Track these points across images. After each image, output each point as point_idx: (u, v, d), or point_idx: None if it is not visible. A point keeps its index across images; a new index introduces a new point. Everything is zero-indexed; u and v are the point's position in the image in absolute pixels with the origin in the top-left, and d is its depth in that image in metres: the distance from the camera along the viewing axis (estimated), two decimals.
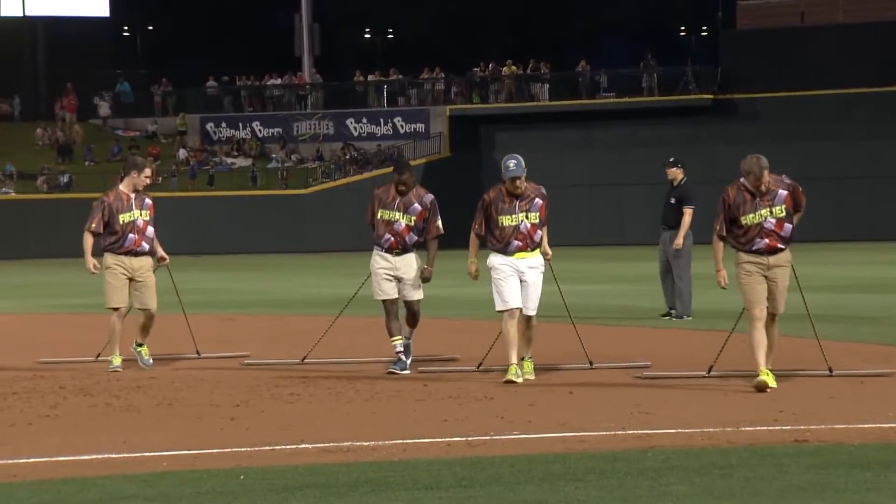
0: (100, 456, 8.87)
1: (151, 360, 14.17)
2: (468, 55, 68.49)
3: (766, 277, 11.45)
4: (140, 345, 14.21)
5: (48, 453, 8.98)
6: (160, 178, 59.81)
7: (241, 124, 64.85)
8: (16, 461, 8.74)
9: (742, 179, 11.50)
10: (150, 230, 14.22)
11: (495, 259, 12.57)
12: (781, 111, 57.43)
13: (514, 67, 64.06)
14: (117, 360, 13.93)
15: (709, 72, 62.57)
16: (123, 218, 13.99)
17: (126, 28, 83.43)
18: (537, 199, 12.64)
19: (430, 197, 13.57)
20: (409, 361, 13.42)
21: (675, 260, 18.72)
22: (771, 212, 11.42)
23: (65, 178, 59.03)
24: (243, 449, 9.10)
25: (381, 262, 13.35)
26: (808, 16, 61.62)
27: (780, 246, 11.49)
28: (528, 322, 12.68)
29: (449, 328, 18.30)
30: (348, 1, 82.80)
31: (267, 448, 9.10)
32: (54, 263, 48.04)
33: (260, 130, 64.46)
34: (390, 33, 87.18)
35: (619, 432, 9.50)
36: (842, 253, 42.58)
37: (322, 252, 52.01)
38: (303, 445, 9.14)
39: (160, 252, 14.46)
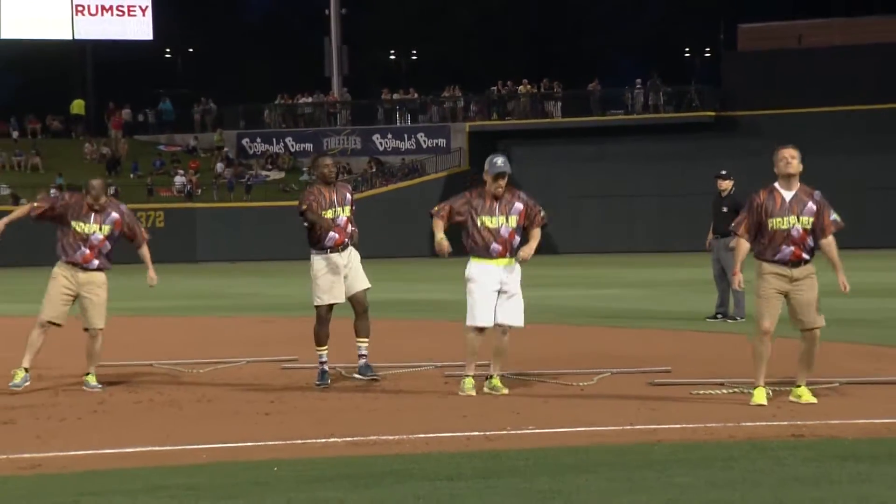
0: (144, 449, 8.89)
1: (99, 385, 12.30)
2: (487, 75, 68.56)
3: (787, 294, 10.75)
4: (87, 374, 12.37)
5: (96, 446, 9.01)
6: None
7: (274, 140, 65.02)
8: (66, 453, 8.76)
9: (775, 184, 10.83)
10: (107, 245, 12.34)
11: (475, 268, 11.57)
12: (780, 127, 57.32)
13: (529, 86, 64.09)
14: (19, 376, 12.12)
15: (712, 90, 62.58)
16: (77, 227, 12.21)
17: (168, 50, 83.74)
18: (517, 203, 11.62)
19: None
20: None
21: (728, 264, 18.71)
22: (798, 220, 10.69)
23: (111, 190, 59.19)
24: (277, 442, 9.10)
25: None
26: (805, 38, 61.56)
27: (804, 257, 10.75)
28: (502, 333, 11.65)
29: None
30: (375, 24, 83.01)
31: (299, 441, 9.11)
32: None
33: (292, 145, 64.60)
34: (414, 54, 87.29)
35: (628, 427, 9.49)
36: None
37: None
38: (332, 439, 9.14)
39: (150, 273, 12.73)
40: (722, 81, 63.01)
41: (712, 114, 60.83)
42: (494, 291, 11.60)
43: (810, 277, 10.82)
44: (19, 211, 12.45)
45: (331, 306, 12.51)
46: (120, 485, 7.60)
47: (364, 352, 12.58)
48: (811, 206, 10.78)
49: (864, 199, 56.43)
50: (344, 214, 12.56)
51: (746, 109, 59.86)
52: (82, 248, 12.27)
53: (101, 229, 12.29)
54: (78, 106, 66.85)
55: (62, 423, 10.24)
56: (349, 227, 12.62)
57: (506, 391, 11.58)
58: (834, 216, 10.86)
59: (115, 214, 12.39)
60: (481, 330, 11.67)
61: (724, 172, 19.44)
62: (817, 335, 10.82)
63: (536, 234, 11.83)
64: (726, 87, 61.91)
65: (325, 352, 12.47)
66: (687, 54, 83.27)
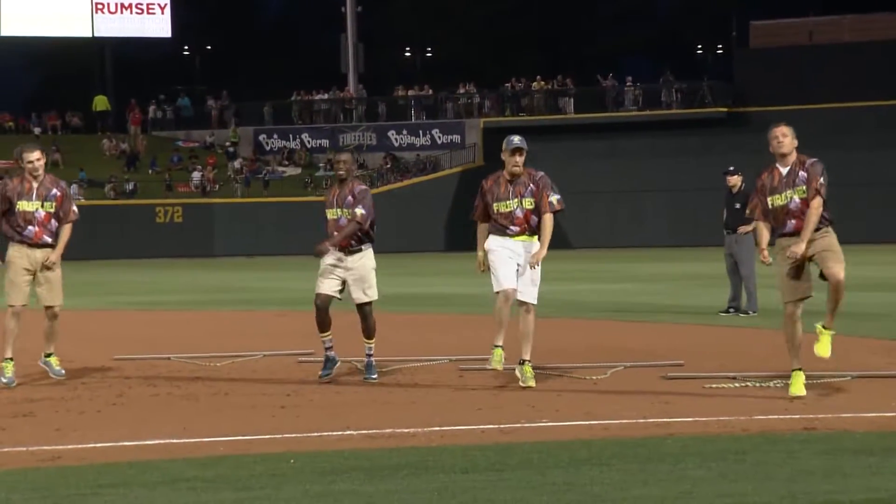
0: (162, 441, 8.89)
1: (63, 371, 12.38)
2: (500, 72, 68.58)
3: (809, 259, 10.62)
4: (48, 355, 12.36)
5: (115, 438, 9.01)
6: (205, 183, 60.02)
7: (291, 136, 65.09)
8: (85, 446, 8.77)
9: (776, 163, 10.83)
10: (54, 223, 12.12)
11: (493, 242, 11.54)
12: (791, 123, 56.84)
13: (542, 83, 64.06)
14: (9, 371, 12.04)
15: (723, 86, 62.53)
16: (21, 205, 12.02)
17: (186, 48, 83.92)
18: (531, 185, 11.52)
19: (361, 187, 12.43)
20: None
21: (741, 259, 18.75)
22: (794, 191, 10.66)
23: (130, 186, 59.38)
24: (294, 435, 9.10)
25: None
26: (815, 35, 61.47)
27: None
28: (525, 312, 11.52)
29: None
30: (390, 22, 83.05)
31: (315, 434, 9.10)
32: (121, 264, 48.28)
33: (308, 141, 64.67)
34: (429, 52, 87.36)
35: (641, 420, 9.46)
36: (845, 254, 42.36)
37: None
38: (348, 432, 9.13)
39: (55, 252, 12.14)
40: (734, 78, 62.96)
41: (724, 110, 60.78)
42: (513, 260, 11.48)
43: (823, 237, 10.68)
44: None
45: (327, 297, 12.22)
46: (139, 476, 7.59)
47: (369, 351, 12.38)
48: (802, 174, 10.75)
49: (874, 194, 56.35)
50: (344, 216, 12.24)
51: (758, 105, 59.76)
52: (30, 227, 12.08)
53: (42, 206, 12.10)
54: (102, 102, 67.07)
55: (81, 416, 10.24)
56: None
57: (533, 384, 11.43)
58: (821, 180, 10.74)
59: (55, 191, 12.20)
60: (508, 295, 11.43)
61: (731, 168, 19.45)
62: (836, 278, 10.54)
63: (546, 227, 11.56)
64: (738, 84, 61.85)
65: (329, 337, 12.28)
66: (699, 51, 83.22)
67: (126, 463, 8.06)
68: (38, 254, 12.13)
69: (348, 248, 12.25)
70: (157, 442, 8.86)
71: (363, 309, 12.30)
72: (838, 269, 10.61)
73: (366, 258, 12.34)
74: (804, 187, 10.71)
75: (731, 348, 14.59)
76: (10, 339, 12.13)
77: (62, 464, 8.09)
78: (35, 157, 12.15)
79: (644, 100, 62.61)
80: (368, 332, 12.35)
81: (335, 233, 12.25)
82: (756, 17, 64.31)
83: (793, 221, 10.72)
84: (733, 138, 58.11)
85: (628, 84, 63.21)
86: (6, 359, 12.14)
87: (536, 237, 11.60)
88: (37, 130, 65.41)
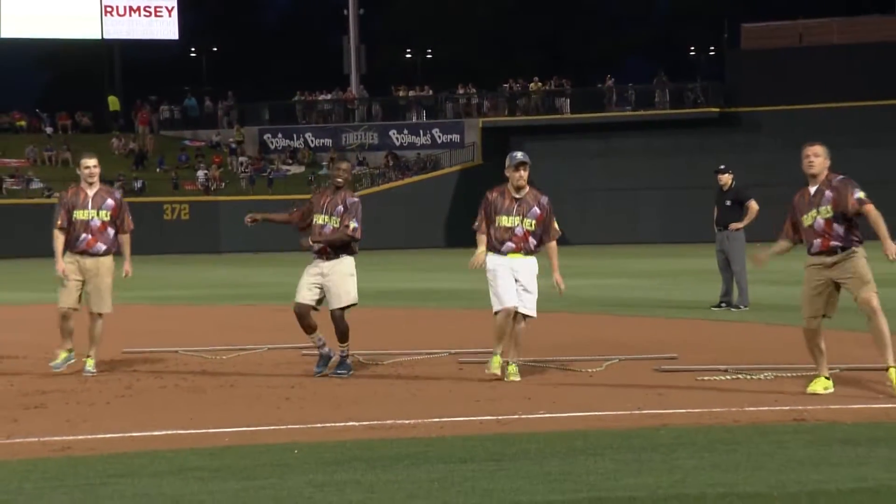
0: (169, 432, 8.89)
1: (94, 370, 12.40)
2: (499, 73, 68.57)
3: (833, 282, 10.41)
4: (87, 356, 12.48)
5: (123, 429, 9.01)
6: (218, 183, 60.05)
7: (295, 135, 65.09)
8: (95, 436, 8.77)
9: (808, 183, 10.55)
10: (110, 231, 12.45)
11: (490, 260, 11.59)
12: (781, 123, 57.31)
13: (539, 84, 64.07)
14: (62, 357, 12.41)
15: (716, 87, 62.50)
16: (77, 215, 12.33)
17: (193, 50, 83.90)
18: (535, 208, 11.61)
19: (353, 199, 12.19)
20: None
21: (732, 255, 18.79)
22: (818, 211, 10.42)
23: (138, 184, 59.35)
24: (297, 426, 9.10)
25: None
26: (805, 37, 61.47)
27: (833, 244, 10.40)
28: (518, 322, 11.58)
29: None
30: (391, 24, 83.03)
31: (318, 425, 9.11)
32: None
33: (312, 141, 64.66)
34: (429, 53, 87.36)
35: (635, 412, 9.46)
36: None
37: (367, 250, 52.09)
38: (351, 423, 9.14)
39: (125, 265, 12.61)
40: (726, 79, 62.94)
41: (716, 110, 60.77)
42: (512, 278, 11.55)
43: (850, 259, 10.46)
44: (57, 241, 12.44)
45: (304, 305, 12.10)
46: (147, 466, 7.60)
47: (343, 353, 12.19)
48: (828, 194, 10.49)
49: (867, 193, 56.43)
50: (331, 223, 12.17)
51: (749, 106, 59.79)
52: (84, 234, 12.36)
53: (98, 214, 12.39)
54: (115, 102, 67.14)
55: (91, 408, 10.24)
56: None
57: (518, 378, 11.47)
58: (858, 194, 10.47)
59: (110, 201, 12.50)
60: (509, 312, 11.49)
61: (722, 167, 19.53)
62: (868, 305, 10.38)
63: (555, 251, 11.77)
64: (730, 85, 61.83)
65: (317, 336, 12.16)
66: (692, 53, 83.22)
67: (134, 453, 8.06)
68: (88, 262, 12.39)
69: (326, 254, 12.17)
70: (164, 433, 8.86)
71: (334, 313, 12.11)
72: (868, 295, 10.41)
73: (342, 265, 12.16)
74: (828, 207, 10.44)
75: (723, 342, 14.59)
76: (67, 335, 12.40)
77: (72, 454, 8.10)
78: (92, 164, 12.46)
79: (638, 100, 62.62)
80: (341, 336, 12.17)
81: (318, 235, 12.18)
82: (747, 20, 64.33)
83: (818, 241, 10.47)
84: (725, 138, 58.14)
85: (609, 85, 63.17)
86: (66, 350, 12.39)
87: (530, 257, 11.62)
88: (49, 130, 65.39)
